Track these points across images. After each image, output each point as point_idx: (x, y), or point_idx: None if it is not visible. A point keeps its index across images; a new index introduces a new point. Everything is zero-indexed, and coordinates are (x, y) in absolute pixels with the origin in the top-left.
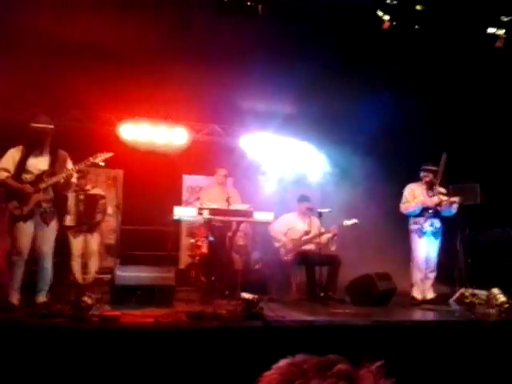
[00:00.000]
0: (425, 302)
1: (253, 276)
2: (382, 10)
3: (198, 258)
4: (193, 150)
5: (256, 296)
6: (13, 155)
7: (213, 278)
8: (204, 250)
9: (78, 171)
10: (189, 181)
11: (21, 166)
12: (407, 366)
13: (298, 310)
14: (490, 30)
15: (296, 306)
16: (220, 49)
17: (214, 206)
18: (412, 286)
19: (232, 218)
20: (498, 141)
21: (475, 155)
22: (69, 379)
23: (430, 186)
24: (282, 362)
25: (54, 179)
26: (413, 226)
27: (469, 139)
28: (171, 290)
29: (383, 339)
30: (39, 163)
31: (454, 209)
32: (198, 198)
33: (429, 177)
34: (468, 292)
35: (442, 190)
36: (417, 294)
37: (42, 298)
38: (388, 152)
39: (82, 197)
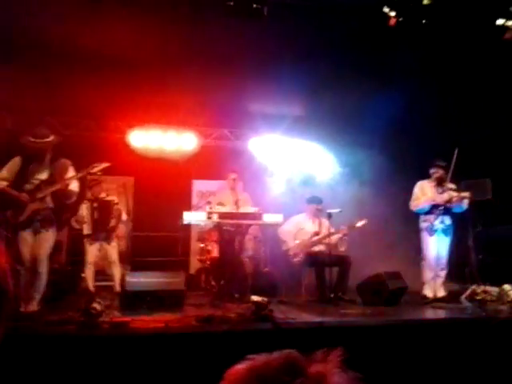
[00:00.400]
0: (436, 300)
1: (262, 279)
2: (388, 7)
3: (208, 262)
4: (202, 155)
5: (266, 298)
6: (11, 166)
7: (222, 282)
8: (214, 254)
9: (92, 180)
10: (199, 186)
11: (21, 176)
12: (420, 365)
13: (308, 311)
14: (499, 22)
15: (306, 308)
16: (227, 53)
17: (223, 209)
18: (423, 284)
19: (241, 221)
20: (508, 136)
21: (486, 151)
22: None
23: (440, 183)
24: (240, 367)
25: (52, 188)
26: (423, 224)
27: (479, 134)
28: (181, 295)
29: (395, 339)
30: (39, 173)
31: (465, 204)
32: (209, 202)
33: (439, 173)
34: (479, 289)
35: (452, 186)
36: (428, 292)
37: (31, 306)
38: (398, 150)
39: (96, 204)
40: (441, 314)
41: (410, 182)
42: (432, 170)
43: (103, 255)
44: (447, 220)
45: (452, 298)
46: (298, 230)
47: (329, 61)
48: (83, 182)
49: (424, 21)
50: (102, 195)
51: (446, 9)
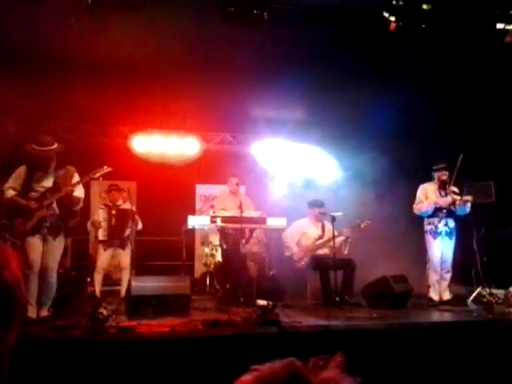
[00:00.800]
0: (442, 303)
1: (267, 283)
2: (387, 12)
3: (212, 266)
4: (205, 160)
5: (271, 302)
6: (18, 175)
7: (227, 286)
8: (218, 258)
9: (111, 185)
10: (202, 190)
11: (27, 185)
12: (426, 368)
13: (314, 315)
14: (499, 26)
15: (311, 312)
16: (229, 58)
17: (227, 213)
18: (429, 287)
19: (245, 225)
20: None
21: (489, 153)
22: None
23: (443, 186)
24: (247, 379)
25: (57, 195)
26: (427, 227)
27: (482, 137)
28: (187, 299)
29: (401, 342)
30: (44, 181)
31: (468, 207)
32: (212, 207)
33: (446, 175)
34: (485, 291)
35: (455, 189)
36: (433, 295)
37: (43, 311)
38: (400, 153)
39: (114, 212)
40: (447, 316)
41: (413, 185)
42: (437, 173)
43: (115, 261)
44: (451, 223)
45: (458, 300)
46: (301, 234)
47: (330, 65)
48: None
49: (424, 25)
50: (119, 202)
51: (446, 13)
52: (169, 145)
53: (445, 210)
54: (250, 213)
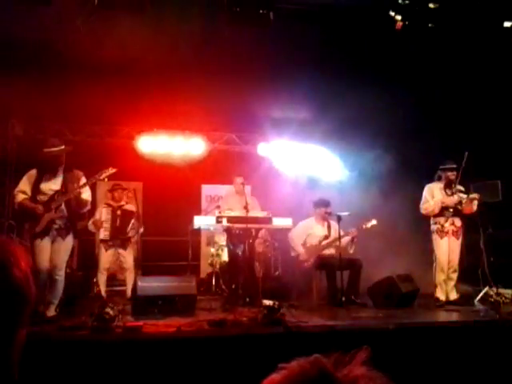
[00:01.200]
0: (449, 302)
1: (273, 283)
2: (394, 11)
3: (218, 266)
4: (210, 160)
5: (277, 302)
6: (28, 178)
7: (233, 286)
8: (224, 258)
9: (115, 185)
10: (208, 190)
11: (36, 188)
12: (433, 368)
13: (320, 315)
14: (507, 24)
15: (317, 312)
16: (235, 58)
17: (233, 213)
18: (435, 287)
19: (251, 225)
20: None
21: (495, 152)
22: None
23: (449, 185)
24: (277, 377)
25: (65, 198)
26: (433, 226)
27: (488, 136)
28: (193, 299)
29: (408, 342)
30: (52, 184)
31: (475, 206)
32: (218, 207)
33: (454, 175)
34: (492, 291)
35: (461, 188)
36: (440, 294)
37: (50, 311)
38: (406, 152)
39: (119, 212)
40: (454, 316)
41: (419, 184)
42: (444, 173)
43: (117, 262)
44: (457, 222)
45: (465, 300)
46: (307, 234)
47: (335, 64)
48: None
49: (430, 24)
50: (123, 202)
51: (453, 12)
52: (175, 145)
53: (451, 210)
54: (256, 213)
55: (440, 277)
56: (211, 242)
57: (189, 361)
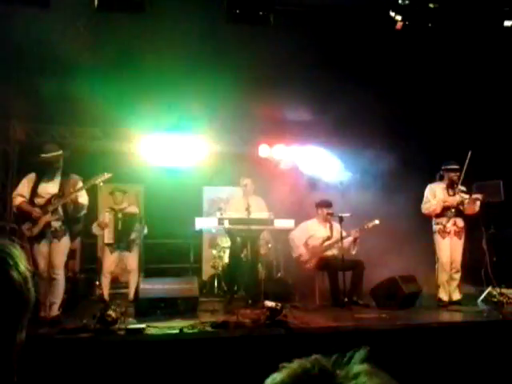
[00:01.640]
0: (452, 303)
1: (276, 284)
2: (394, 11)
3: (220, 268)
4: (212, 162)
5: (279, 304)
6: (27, 182)
7: (235, 288)
8: (226, 260)
9: (115, 188)
10: (209, 192)
11: (33, 192)
12: (436, 369)
13: (322, 316)
14: (507, 23)
15: (320, 313)
16: (236, 59)
17: (234, 215)
18: (438, 287)
19: (252, 227)
20: None
21: (498, 152)
22: None
23: (452, 185)
24: (279, 376)
25: (61, 201)
26: (436, 227)
27: (490, 136)
28: (195, 301)
29: (411, 342)
30: (50, 188)
31: (477, 206)
32: (220, 209)
33: (457, 175)
34: (495, 291)
35: (463, 188)
36: (443, 295)
37: (54, 311)
38: (408, 152)
39: (120, 215)
40: (457, 317)
41: (421, 184)
42: (446, 173)
43: (121, 264)
44: (460, 222)
45: (468, 300)
46: (309, 235)
47: (336, 65)
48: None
49: (430, 24)
50: (124, 205)
51: (453, 11)
52: (176, 147)
53: (453, 210)
54: (258, 214)
55: (443, 277)
56: (213, 244)
57: (191, 362)
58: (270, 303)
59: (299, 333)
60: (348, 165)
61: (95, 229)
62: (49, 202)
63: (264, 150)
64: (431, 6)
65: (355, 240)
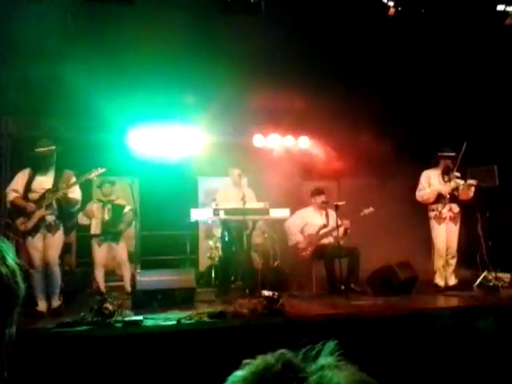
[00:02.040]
0: (448, 288)
1: (272, 273)
2: None
3: (217, 259)
4: (206, 152)
5: (276, 293)
6: (21, 177)
7: (232, 278)
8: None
9: (104, 180)
10: (204, 183)
11: (28, 187)
12: (433, 354)
13: (319, 304)
14: (500, 7)
15: (317, 301)
16: (228, 48)
17: (230, 205)
18: (434, 273)
19: (248, 217)
20: None
21: (492, 137)
22: None
23: (447, 172)
24: (242, 373)
25: (55, 196)
26: (431, 213)
27: (484, 121)
28: (192, 292)
29: (407, 329)
30: (44, 183)
31: (472, 192)
32: (214, 199)
33: (448, 162)
34: (491, 275)
35: (458, 174)
36: (439, 280)
37: (54, 302)
38: (404, 138)
39: (108, 206)
40: (453, 302)
41: (415, 171)
42: (441, 160)
43: (112, 256)
44: (455, 208)
45: (464, 285)
46: (305, 223)
47: (328, 52)
48: None
49: (423, 10)
50: (112, 197)
51: None
52: (170, 138)
53: (448, 196)
54: (253, 204)
55: (439, 263)
56: (209, 235)
57: (190, 353)
58: (267, 292)
59: (297, 321)
60: (344, 153)
61: (82, 219)
62: (43, 196)
63: (259, 140)
64: None
65: (346, 231)
